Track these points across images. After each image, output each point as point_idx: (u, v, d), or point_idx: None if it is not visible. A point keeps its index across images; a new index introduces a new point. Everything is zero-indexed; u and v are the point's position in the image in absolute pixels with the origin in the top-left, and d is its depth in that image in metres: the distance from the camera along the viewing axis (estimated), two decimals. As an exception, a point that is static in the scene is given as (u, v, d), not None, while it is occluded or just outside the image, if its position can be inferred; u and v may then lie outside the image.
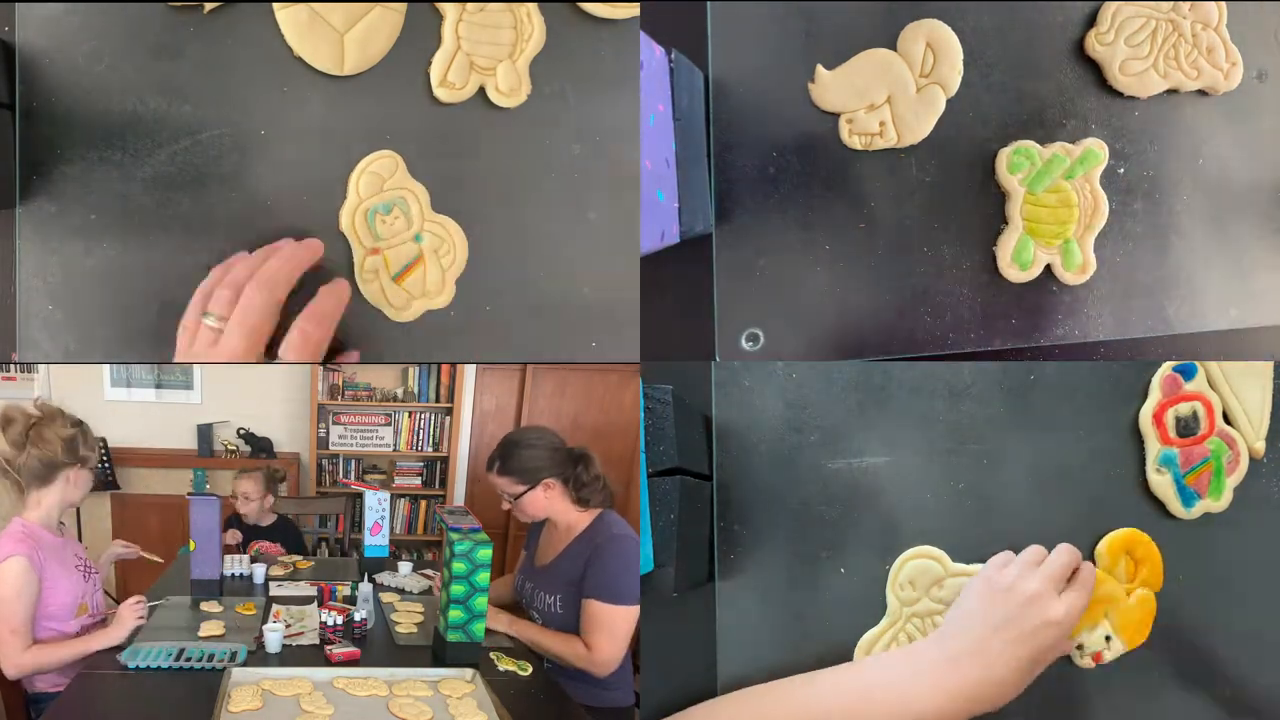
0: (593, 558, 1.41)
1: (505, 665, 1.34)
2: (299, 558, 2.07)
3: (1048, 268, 0.98)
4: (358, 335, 0.92)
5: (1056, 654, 0.84)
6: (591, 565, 1.40)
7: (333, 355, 0.89)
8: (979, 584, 0.85)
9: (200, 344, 0.83)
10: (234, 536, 2.28)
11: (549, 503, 1.48)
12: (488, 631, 1.40)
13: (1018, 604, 0.81)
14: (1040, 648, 0.80)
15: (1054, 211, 0.97)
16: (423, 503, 3.22)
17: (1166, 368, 0.93)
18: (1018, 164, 0.97)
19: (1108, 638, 0.89)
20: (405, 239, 0.91)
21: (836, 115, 0.98)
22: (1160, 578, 0.90)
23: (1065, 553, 0.85)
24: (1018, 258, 0.96)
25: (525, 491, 1.46)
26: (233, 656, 1.28)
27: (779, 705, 0.83)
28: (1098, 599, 0.88)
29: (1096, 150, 0.97)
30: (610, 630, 1.37)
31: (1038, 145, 0.97)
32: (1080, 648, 0.89)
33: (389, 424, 3.14)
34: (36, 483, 1.44)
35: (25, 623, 1.34)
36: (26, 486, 1.44)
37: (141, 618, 1.42)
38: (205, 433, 2.98)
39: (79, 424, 1.49)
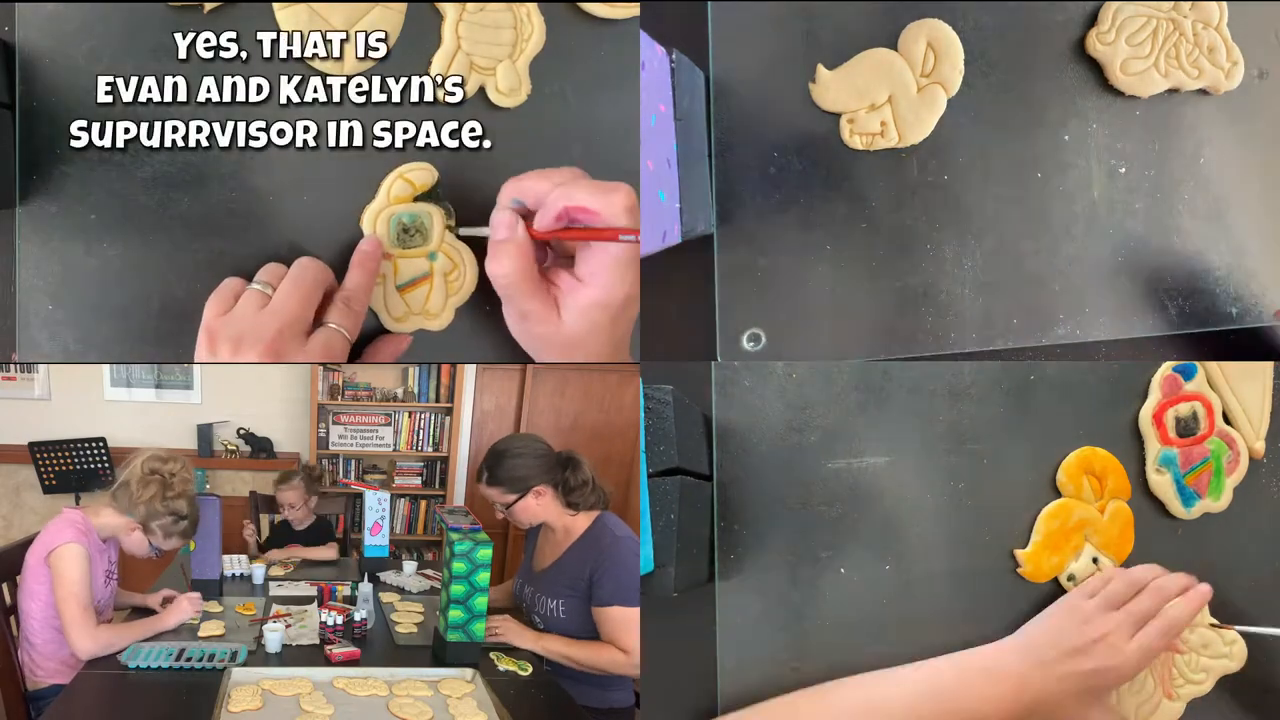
0: (600, 564, 1.41)
1: (505, 665, 1.34)
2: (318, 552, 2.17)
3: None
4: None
5: (1116, 687, 0.85)
6: (603, 572, 1.40)
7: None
8: (1064, 607, 0.86)
9: (247, 305, 0.83)
10: (250, 533, 2.37)
11: (541, 509, 1.48)
12: (510, 647, 1.40)
13: (1089, 639, 0.82)
14: (1097, 686, 0.82)
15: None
16: (423, 503, 3.22)
17: (1166, 368, 0.93)
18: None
19: (1095, 559, 0.89)
20: (419, 254, 0.91)
21: (837, 115, 0.98)
22: (1127, 484, 0.90)
23: (1151, 595, 0.85)
24: None
25: (516, 500, 1.46)
26: (233, 656, 1.28)
27: (845, 703, 0.84)
28: (1073, 526, 0.88)
29: None
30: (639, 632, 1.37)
31: None
32: (1072, 578, 0.89)
33: (389, 424, 3.14)
34: (122, 506, 1.47)
35: (91, 602, 1.37)
36: (118, 501, 1.47)
37: (198, 611, 1.47)
38: (205, 433, 2.98)
39: (191, 518, 1.53)
